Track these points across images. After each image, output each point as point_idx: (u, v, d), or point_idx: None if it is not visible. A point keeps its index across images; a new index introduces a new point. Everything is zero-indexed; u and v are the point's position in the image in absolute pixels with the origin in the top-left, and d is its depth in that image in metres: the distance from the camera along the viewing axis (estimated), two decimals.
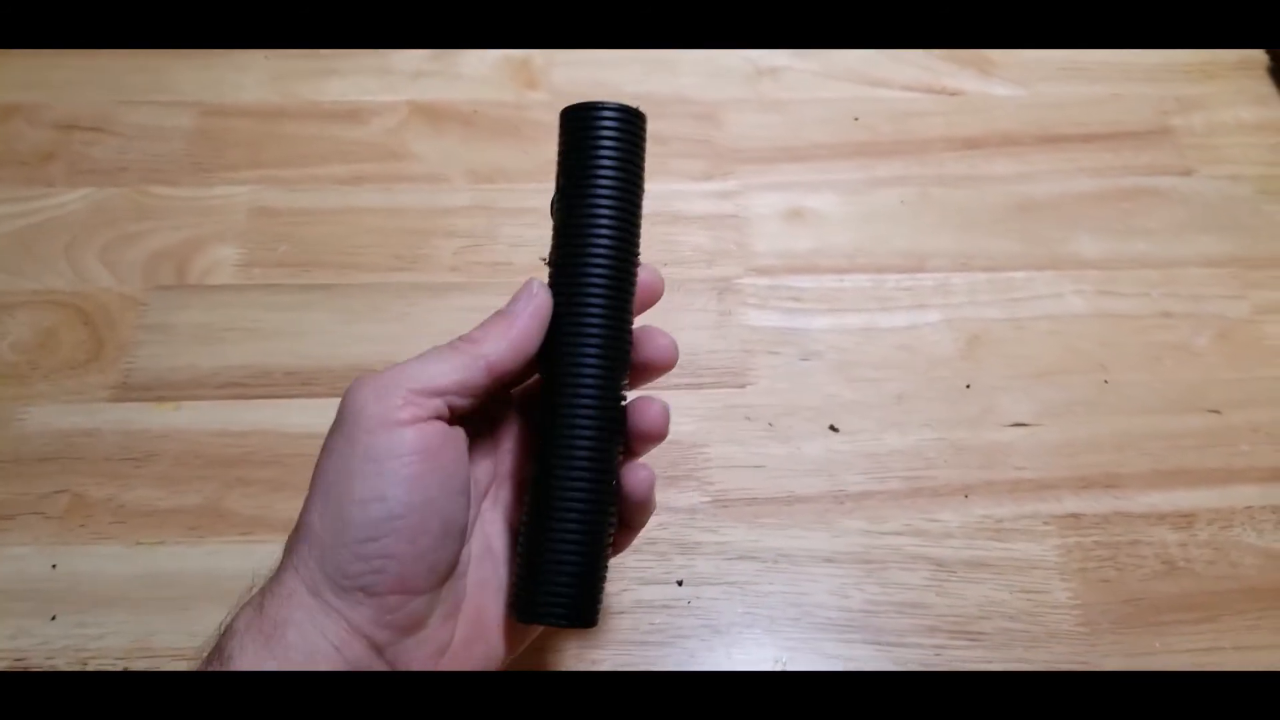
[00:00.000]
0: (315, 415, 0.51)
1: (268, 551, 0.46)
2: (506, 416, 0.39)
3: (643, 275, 0.37)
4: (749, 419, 0.53)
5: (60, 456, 0.49)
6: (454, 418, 0.34)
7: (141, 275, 0.56)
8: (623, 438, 0.36)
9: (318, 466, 0.33)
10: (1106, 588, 0.48)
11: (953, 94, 0.68)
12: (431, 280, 0.57)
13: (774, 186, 0.62)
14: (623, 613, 0.46)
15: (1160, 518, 0.50)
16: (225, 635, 0.31)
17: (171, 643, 0.44)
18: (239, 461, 0.50)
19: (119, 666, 0.43)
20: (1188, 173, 0.64)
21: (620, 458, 0.36)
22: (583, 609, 0.35)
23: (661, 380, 0.53)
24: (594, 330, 0.35)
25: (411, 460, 0.31)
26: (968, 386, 0.54)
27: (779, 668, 0.45)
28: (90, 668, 0.43)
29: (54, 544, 0.47)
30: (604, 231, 0.35)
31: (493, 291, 0.56)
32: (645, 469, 0.37)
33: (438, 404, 0.33)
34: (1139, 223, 0.62)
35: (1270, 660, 0.46)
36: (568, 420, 0.35)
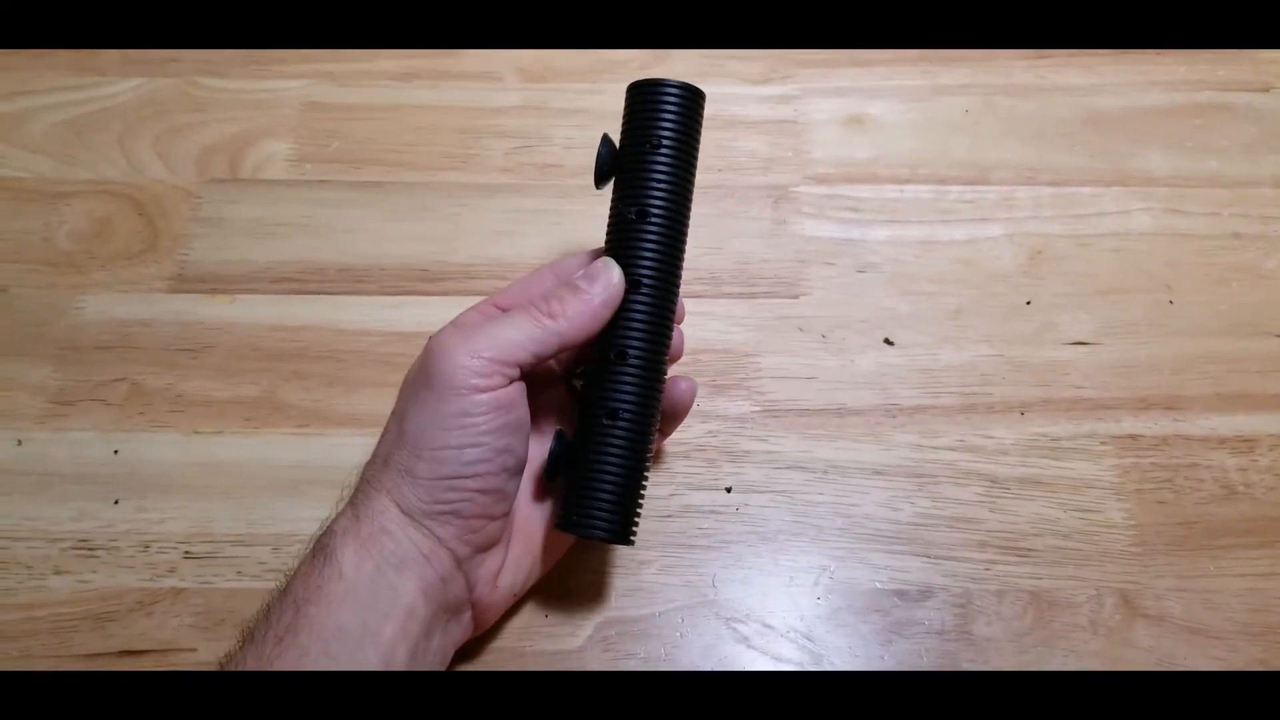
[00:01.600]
0: (367, 313, 0.51)
1: (324, 444, 0.47)
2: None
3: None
4: (802, 330, 0.52)
5: (118, 345, 0.50)
6: (521, 376, 0.39)
7: (195, 168, 0.56)
8: (664, 380, 0.41)
9: (407, 412, 0.37)
10: (1162, 509, 0.47)
11: None
12: (482, 180, 0.56)
13: (834, 92, 0.61)
14: (670, 516, 0.46)
15: (1220, 441, 0.50)
16: (325, 535, 0.37)
17: (229, 529, 0.45)
18: (294, 355, 0.50)
19: (179, 551, 0.44)
20: (1265, 89, 0.62)
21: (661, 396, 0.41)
22: (623, 528, 0.40)
23: (713, 288, 0.53)
24: (647, 285, 0.40)
25: (496, 416, 0.37)
26: (1028, 303, 0.53)
27: (826, 576, 0.45)
28: (151, 552, 0.44)
29: (114, 430, 0.47)
30: (659, 192, 0.40)
31: (544, 194, 0.56)
32: (687, 381, 0.43)
33: (514, 371, 0.38)
34: (1211, 140, 0.59)
35: None
36: (618, 368, 0.40)
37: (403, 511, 0.36)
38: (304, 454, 0.47)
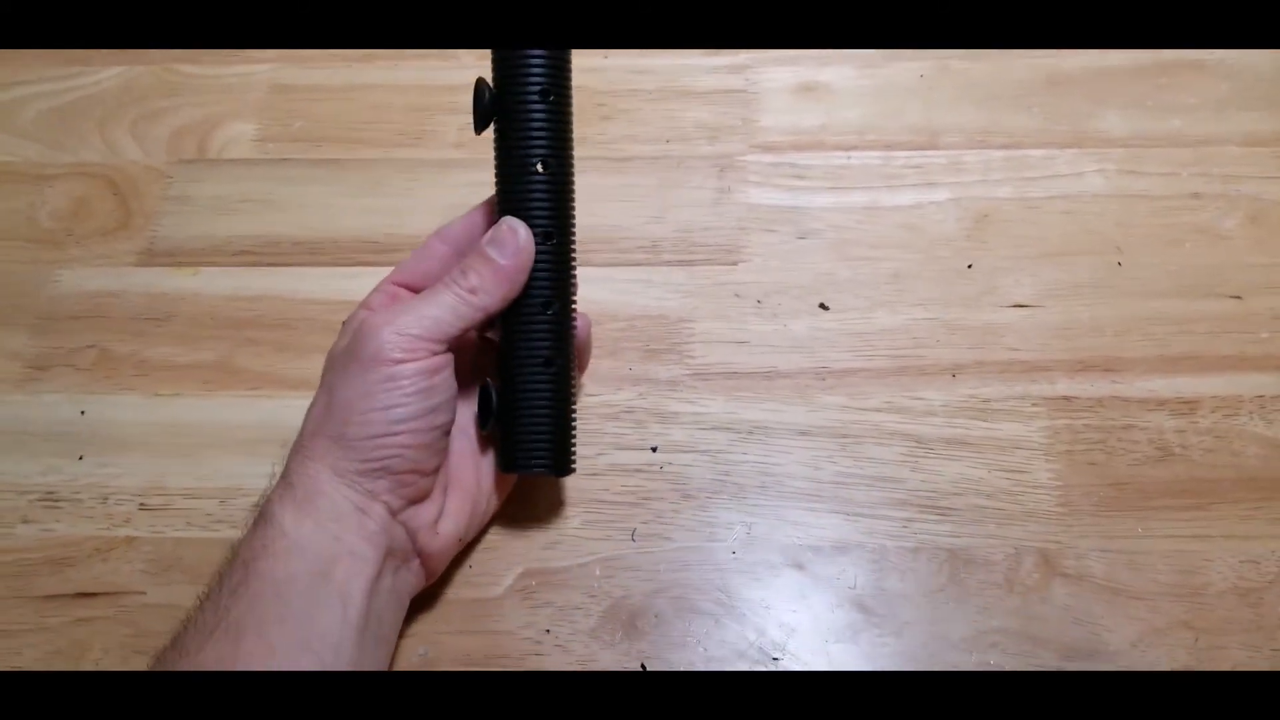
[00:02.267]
0: (320, 283, 0.54)
1: (274, 406, 0.50)
2: None
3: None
4: (738, 295, 0.53)
5: (90, 315, 0.54)
6: (448, 349, 0.41)
7: (166, 149, 0.59)
8: (573, 317, 0.44)
9: (335, 386, 0.40)
10: (1092, 470, 0.47)
11: None
12: (435, 156, 0.58)
13: (787, 60, 0.61)
14: (596, 475, 0.48)
15: (1160, 403, 0.49)
16: (264, 504, 0.39)
17: (181, 484, 0.48)
18: (250, 323, 0.53)
19: (135, 503, 0.48)
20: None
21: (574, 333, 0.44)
22: (559, 460, 0.43)
23: (653, 256, 0.54)
24: (538, 231, 0.41)
25: (421, 380, 0.39)
26: (969, 266, 0.53)
27: (743, 532, 0.46)
28: (109, 503, 0.48)
29: (82, 393, 0.51)
30: (535, 143, 0.41)
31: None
32: (582, 317, 0.45)
33: (440, 346, 0.40)
34: (1176, 98, 0.58)
35: (1259, 550, 0.45)
36: (528, 313, 0.42)
37: (335, 474, 0.39)
38: (254, 415, 0.50)
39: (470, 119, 0.42)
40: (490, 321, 0.42)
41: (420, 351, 0.39)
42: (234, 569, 0.37)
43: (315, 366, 0.50)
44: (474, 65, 0.61)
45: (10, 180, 0.59)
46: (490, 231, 0.41)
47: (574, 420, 0.44)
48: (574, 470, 0.44)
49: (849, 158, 0.57)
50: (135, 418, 0.50)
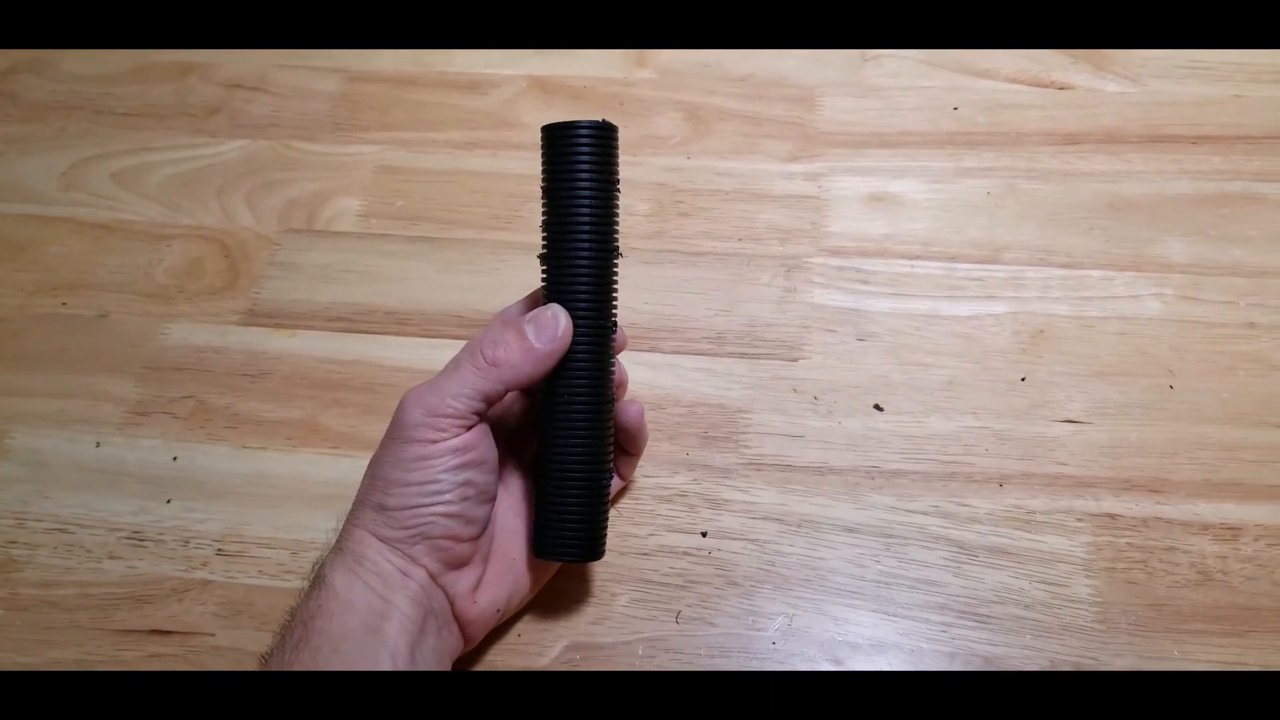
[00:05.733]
0: (407, 351, 0.58)
1: (352, 465, 0.53)
2: (514, 397, 0.49)
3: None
4: (796, 391, 0.55)
5: (192, 368, 0.58)
6: (481, 419, 0.43)
7: (278, 218, 0.64)
8: (612, 406, 0.45)
9: (379, 459, 0.43)
10: (1132, 589, 0.48)
11: (1060, 88, 0.67)
12: (522, 240, 0.62)
13: (859, 171, 0.64)
14: (646, 554, 0.50)
15: (1203, 528, 0.50)
16: (320, 567, 0.42)
17: (259, 533, 0.51)
18: (338, 385, 0.57)
19: (213, 548, 0.51)
20: None
21: (612, 421, 0.45)
22: (589, 546, 0.44)
23: (717, 347, 0.57)
24: (582, 321, 0.42)
25: (453, 458, 0.42)
26: (1022, 379, 0.55)
27: (784, 622, 0.48)
28: (190, 546, 0.51)
29: (177, 440, 0.55)
30: (584, 231, 0.42)
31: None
32: (635, 404, 0.47)
33: (469, 419, 0.42)
34: (1238, 229, 0.60)
35: None
36: (565, 400, 0.43)
37: (379, 539, 0.41)
38: (333, 472, 0.53)
39: None
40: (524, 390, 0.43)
41: (449, 430, 0.41)
42: (294, 627, 0.40)
43: None
44: None
45: (133, 238, 0.64)
46: (535, 312, 0.43)
47: (605, 507, 0.45)
48: (602, 555, 0.45)
49: (912, 266, 0.60)
50: (223, 467, 0.54)
